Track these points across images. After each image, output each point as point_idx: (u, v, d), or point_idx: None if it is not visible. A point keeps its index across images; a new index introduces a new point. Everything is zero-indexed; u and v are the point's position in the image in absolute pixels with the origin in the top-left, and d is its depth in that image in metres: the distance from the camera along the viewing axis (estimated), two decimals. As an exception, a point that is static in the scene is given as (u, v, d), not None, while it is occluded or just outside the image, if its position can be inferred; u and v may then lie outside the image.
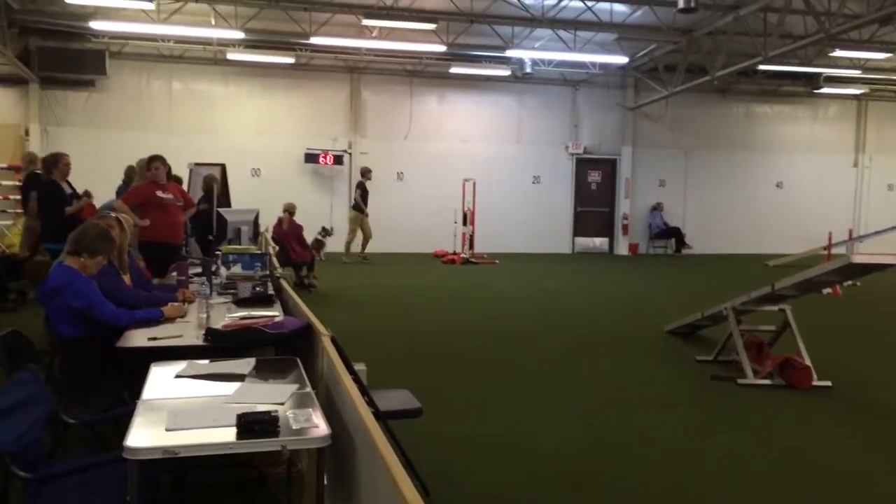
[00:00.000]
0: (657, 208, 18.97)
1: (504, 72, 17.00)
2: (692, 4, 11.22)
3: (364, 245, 15.44)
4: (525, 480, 4.23)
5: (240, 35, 13.92)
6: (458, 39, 14.82)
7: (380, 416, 3.40)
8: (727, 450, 4.80)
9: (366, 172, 15.52)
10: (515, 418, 5.39)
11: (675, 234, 18.84)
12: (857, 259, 6.06)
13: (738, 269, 15.77)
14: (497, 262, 15.77)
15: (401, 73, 17.31)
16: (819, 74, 17.79)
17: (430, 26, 13.77)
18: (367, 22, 13.64)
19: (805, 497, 4.10)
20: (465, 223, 16.09)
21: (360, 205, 15.33)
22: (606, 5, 13.50)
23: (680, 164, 19.25)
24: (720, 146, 19.39)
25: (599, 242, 19.02)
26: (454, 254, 16.03)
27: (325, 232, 15.02)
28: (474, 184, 16.09)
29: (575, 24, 14.17)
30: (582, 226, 18.94)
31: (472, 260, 15.57)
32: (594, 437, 5.03)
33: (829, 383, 6.25)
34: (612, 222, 19.10)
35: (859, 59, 16.53)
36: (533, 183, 18.36)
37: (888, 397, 6.20)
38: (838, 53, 15.50)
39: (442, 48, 14.83)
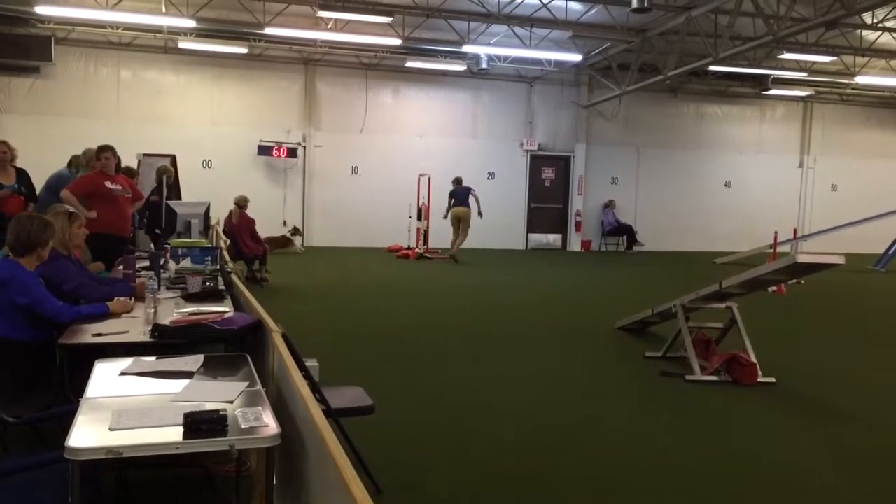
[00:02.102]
0: (609, 205, 19.21)
1: (460, 67, 17.02)
2: (645, 4, 11.37)
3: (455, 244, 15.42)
4: (477, 476, 4.24)
5: (191, 24, 13.64)
6: (415, 33, 14.79)
7: (331, 413, 3.38)
8: (674, 445, 4.89)
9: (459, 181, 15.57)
10: (469, 414, 5.40)
11: (627, 231, 19.10)
12: (802, 259, 6.20)
13: (687, 266, 16.05)
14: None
15: (356, 65, 17.19)
16: (767, 76, 18.20)
17: (386, 19, 13.70)
18: (322, 13, 13.51)
19: (749, 492, 4.19)
20: (419, 218, 16.05)
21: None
22: (561, 3, 13.57)
23: (632, 162, 19.51)
24: (671, 145, 19.71)
25: (553, 239, 19.18)
26: (408, 248, 16.01)
27: (296, 230, 15.03)
28: (429, 178, 16.06)
29: (531, 21, 14.26)
30: (536, 222, 19.07)
31: (427, 255, 15.56)
32: (545, 433, 5.07)
33: (773, 380, 6.40)
34: (565, 219, 19.27)
35: (806, 62, 16.96)
36: (488, 179, 18.40)
37: (830, 394, 6.36)
38: (786, 56, 15.88)
39: (398, 42, 14.77)
